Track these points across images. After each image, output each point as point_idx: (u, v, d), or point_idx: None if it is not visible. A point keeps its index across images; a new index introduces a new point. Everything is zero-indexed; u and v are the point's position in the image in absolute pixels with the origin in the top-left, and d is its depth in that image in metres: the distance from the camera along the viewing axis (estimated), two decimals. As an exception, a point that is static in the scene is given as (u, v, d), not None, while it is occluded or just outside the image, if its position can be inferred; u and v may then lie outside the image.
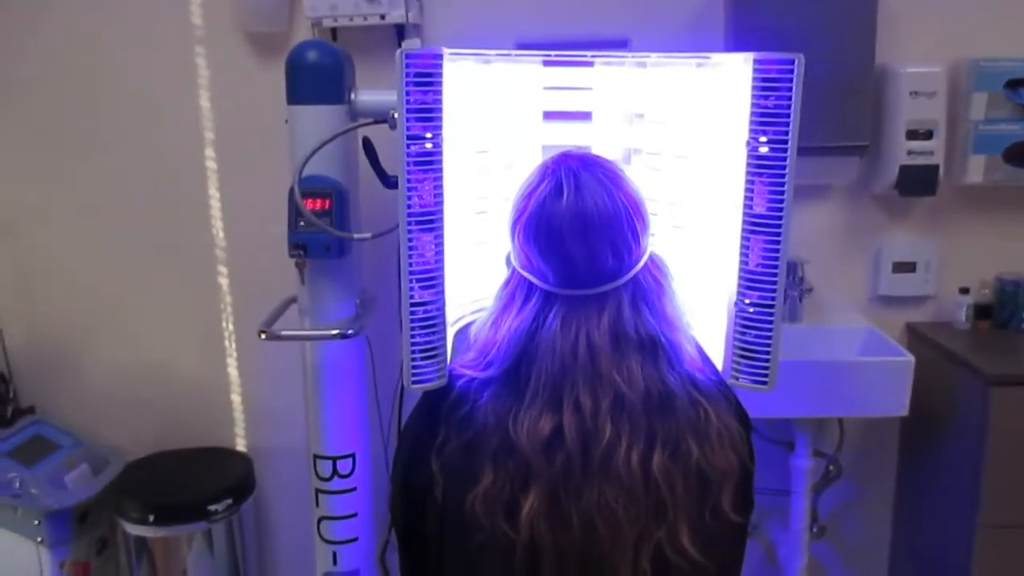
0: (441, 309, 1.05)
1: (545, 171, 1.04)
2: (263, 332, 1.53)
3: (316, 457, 1.65)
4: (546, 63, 1.21)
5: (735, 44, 1.81)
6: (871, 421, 2.02)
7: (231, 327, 2.07)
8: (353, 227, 1.56)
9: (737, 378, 1.10)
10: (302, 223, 1.50)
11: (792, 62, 0.98)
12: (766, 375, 1.08)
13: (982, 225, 1.94)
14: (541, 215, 1.01)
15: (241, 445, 2.12)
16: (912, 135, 1.81)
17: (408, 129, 0.98)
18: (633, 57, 1.31)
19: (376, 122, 1.33)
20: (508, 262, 1.10)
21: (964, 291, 1.92)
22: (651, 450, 1.01)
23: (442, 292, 1.05)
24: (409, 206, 1.00)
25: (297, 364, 1.94)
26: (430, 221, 1.02)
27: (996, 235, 1.94)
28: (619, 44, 1.81)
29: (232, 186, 1.99)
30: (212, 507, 1.88)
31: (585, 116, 1.34)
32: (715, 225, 1.19)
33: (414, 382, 1.05)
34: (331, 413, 1.64)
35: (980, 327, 1.92)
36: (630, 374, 1.01)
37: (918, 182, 1.83)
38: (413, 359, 1.04)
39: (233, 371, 2.10)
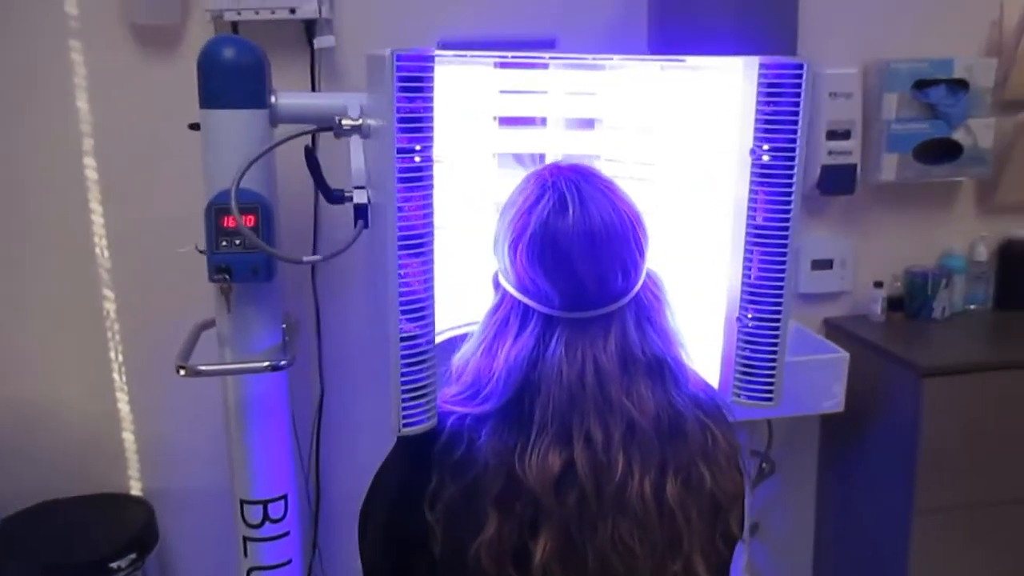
0: (431, 343, 0.94)
1: (543, 184, 0.95)
2: (181, 368, 1.35)
3: (244, 503, 1.48)
4: (499, 65, 1.12)
5: (658, 46, 1.78)
6: (796, 417, 2.05)
7: (120, 357, 1.84)
8: (276, 245, 1.41)
9: (739, 395, 1.05)
10: (224, 243, 1.33)
11: (801, 67, 0.94)
12: (771, 391, 1.04)
13: (892, 221, 2.01)
14: (546, 234, 0.92)
15: (137, 489, 1.90)
16: (832, 135, 1.84)
17: (397, 141, 0.86)
18: (593, 59, 1.24)
19: (320, 129, 1.19)
20: (496, 285, 1.01)
21: (878, 285, 1.99)
22: (664, 479, 0.96)
23: (432, 324, 0.94)
24: (402, 228, 0.88)
25: (200, 396, 1.76)
26: (419, 245, 0.91)
27: (905, 230, 2.02)
28: (546, 44, 1.73)
29: (118, 199, 1.77)
30: (113, 564, 1.65)
31: (540, 122, 1.26)
32: (693, 235, 1.14)
33: (405, 426, 0.93)
34: (260, 453, 1.47)
35: (893, 319, 1.99)
36: (640, 399, 0.95)
37: (838, 181, 1.87)
38: (404, 401, 0.92)
39: (124, 406, 1.87)
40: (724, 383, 1.07)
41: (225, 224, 1.34)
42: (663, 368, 0.97)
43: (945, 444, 1.70)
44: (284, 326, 1.48)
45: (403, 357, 0.92)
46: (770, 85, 0.95)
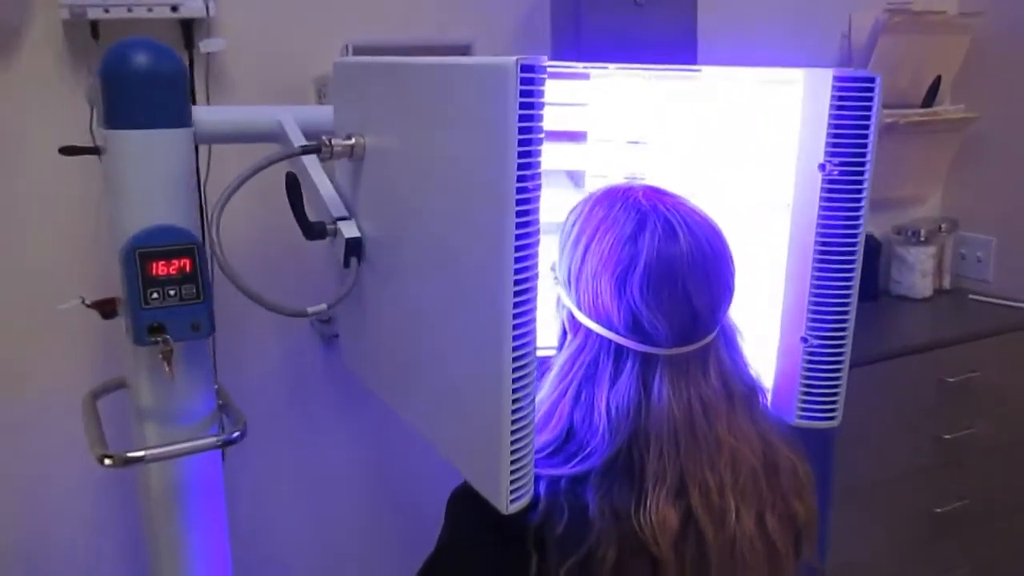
0: (533, 401, 0.80)
1: (638, 209, 0.85)
2: (107, 457, 1.06)
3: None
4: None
5: (563, 50, 1.73)
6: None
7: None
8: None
9: (802, 416, 1.02)
10: (155, 295, 1.07)
11: (873, 80, 0.91)
12: (835, 411, 1.01)
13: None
14: (660, 263, 0.82)
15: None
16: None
17: (519, 168, 0.72)
18: (583, 67, 1.16)
19: (306, 150, 0.98)
20: (575, 324, 0.89)
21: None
22: (765, 518, 0.91)
23: (535, 379, 0.80)
24: (518, 269, 0.74)
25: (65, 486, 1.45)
26: (528, 290, 0.76)
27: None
28: (462, 49, 1.60)
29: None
30: None
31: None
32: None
33: (513, 500, 0.79)
34: (200, 548, 1.21)
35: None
36: (744, 435, 0.90)
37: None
38: (512, 474, 0.78)
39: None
40: (780, 403, 1.03)
41: (154, 272, 1.07)
42: (754, 395, 0.93)
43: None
44: (216, 387, 1.23)
45: (513, 423, 0.77)
46: (842, 99, 0.92)
